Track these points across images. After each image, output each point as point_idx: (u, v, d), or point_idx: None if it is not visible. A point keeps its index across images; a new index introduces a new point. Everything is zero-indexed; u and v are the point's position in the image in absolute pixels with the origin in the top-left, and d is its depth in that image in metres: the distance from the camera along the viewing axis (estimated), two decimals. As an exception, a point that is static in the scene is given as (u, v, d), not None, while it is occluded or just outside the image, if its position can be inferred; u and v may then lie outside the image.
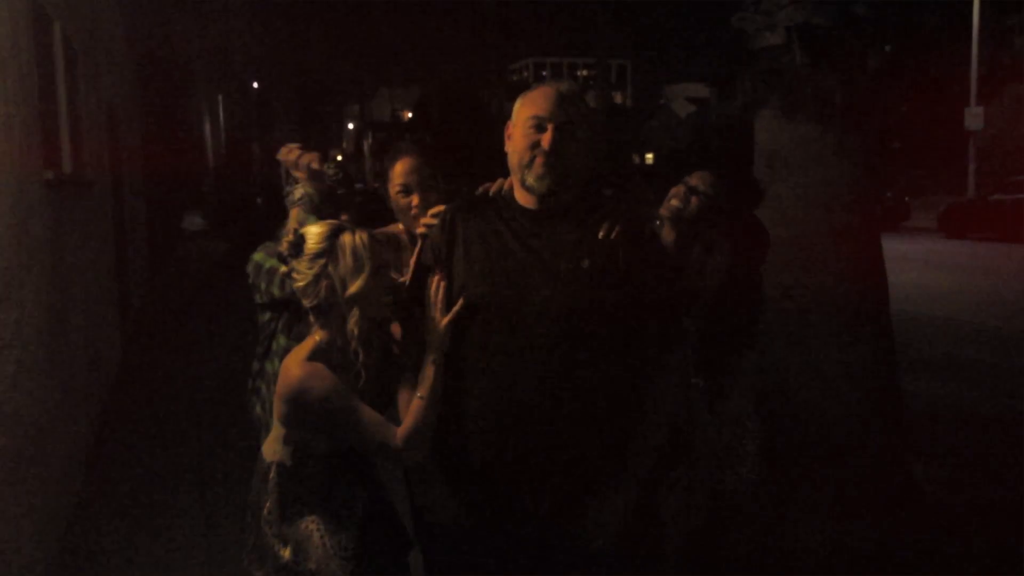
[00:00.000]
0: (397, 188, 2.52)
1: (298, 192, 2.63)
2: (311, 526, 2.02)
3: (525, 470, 1.95)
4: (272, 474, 2.05)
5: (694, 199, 2.80)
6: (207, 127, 24.95)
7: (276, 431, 2.06)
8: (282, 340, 2.54)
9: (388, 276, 2.07)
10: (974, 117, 23.68)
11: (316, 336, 2.01)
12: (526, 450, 1.94)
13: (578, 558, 1.98)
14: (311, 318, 2.03)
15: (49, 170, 4.28)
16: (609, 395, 1.96)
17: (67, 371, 4.48)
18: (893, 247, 5.12)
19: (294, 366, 1.96)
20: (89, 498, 4.43)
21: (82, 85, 5.98)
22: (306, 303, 2.01)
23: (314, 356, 1.97)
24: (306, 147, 2.69)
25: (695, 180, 2.84)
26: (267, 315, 2.61)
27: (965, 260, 15.08)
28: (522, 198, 2.03)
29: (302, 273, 1.99)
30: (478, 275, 1.98)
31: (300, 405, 1.95)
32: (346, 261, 1.97)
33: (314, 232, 2.00)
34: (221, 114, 25.66)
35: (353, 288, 1.97)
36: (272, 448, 2.07)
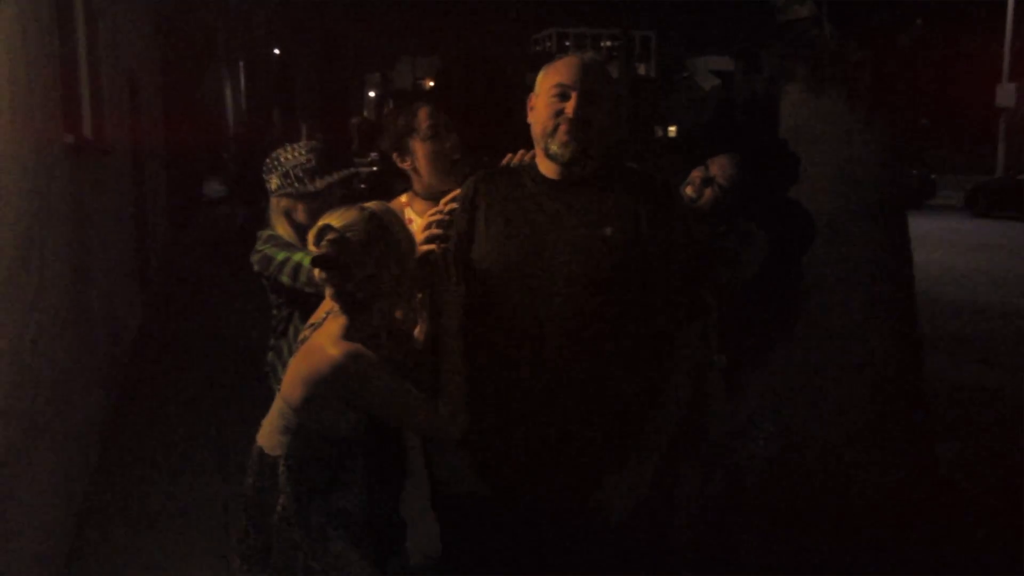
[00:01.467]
0: (427, 133, 2.52)
1: (275, 182, 2.56)
2: (325, 519, 1.96)
3: (543, 441, 1.94)
4: (282, 469, 1.97)
5: (708, 191, 2.68)
6: (228, 93, 24.92)
7: (281, 421, 1.99)
8: (302, 326, 2.51)
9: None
10: (1006, 94, 23.21)
11: (344, 319, 1.92)
12: (545, 421, 1.93)
13: (595, 531, 1.98)
14: (342, 307, 1.91)
15: (69, 134, 4.29)
16: (629, 365, 1.95)
17: (87, 335, 4.52)
18: (918, 225, 5.04)
19: (330, 346, 1.87)
20: (107, 464, 4.48)
21: (103, 50, 5.97)
22: (360, 295, 1.89)
23: (348, 337, 1.89)
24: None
25: (715, 169, 2.70)
26: (280, 300, 2.60)
27: (991, 240, 14.86)
28: (545, 167, 2.02)
29: (360, 267, 1.86)
30: (500, 244, 1.98)
31: (337, 387, 1.87)
32: (397, 237, 1.92)
33: (350, 221, 1.89)
34: (242, 80, 25.61)
35: (412, 261, 1.93)
36: (276, 440, 1.99)
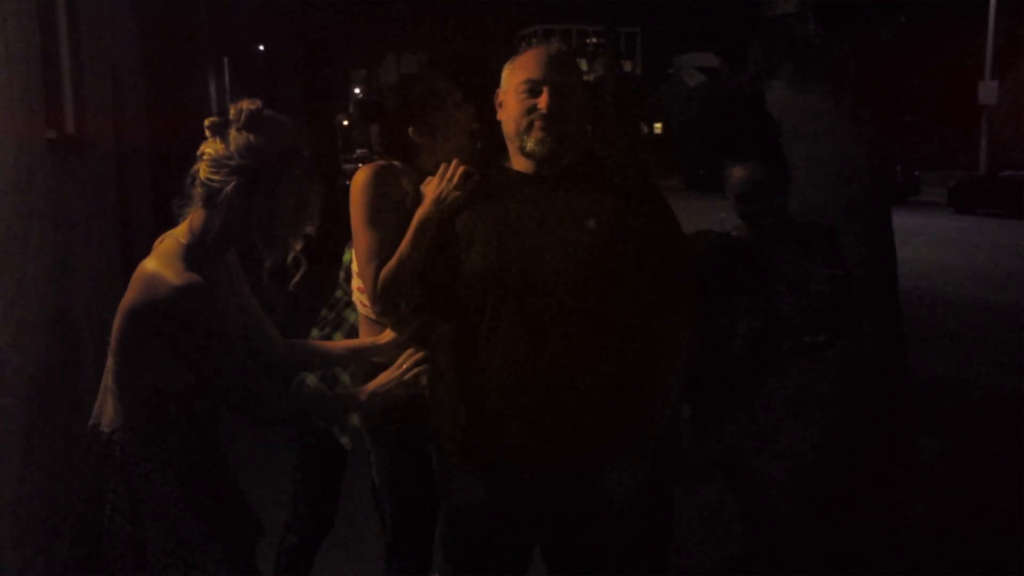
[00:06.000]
0: (453, 104, 2.36)
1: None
2: (174, 498, 1.73)
3: (545, 433, 1.93)
4: (117, 443, 1.72)
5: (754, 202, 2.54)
6: (212, 90, 24.78)
7: (110, 384, 1.76)
8: (352, 316, 2.53)
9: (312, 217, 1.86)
10: (988, 91, 23.36)
11: (187, 233, 1.75)
12: (546, 414, 1.92)
13: (600, 517, 1.99)
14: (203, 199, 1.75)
15: (51, 129, 4.25)
16: (623, 358, 1.95)
17: (70, 333, 4.48)
18: (901, 221, 5.07)
19: (171, 274, 1.66)
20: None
21: (85, 44, 5.91)
22: (211, 182, 1.78)
23: (189, 264, 1.68)
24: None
25: (739, 177, 2.53)
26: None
27: (973, 236, 14.99)
28: (520, 165, 2.00)
29: (232, 155, 1.78)
30: (486, 246, 1.95)
31: (164, 318, 1.67)
32: (293, 192, 1.79)
33: (292, 132, 1.80)
34: (227, 77, 25.45)
35: (287, 228, 1.80)
36: (114, 415, 1.74)
